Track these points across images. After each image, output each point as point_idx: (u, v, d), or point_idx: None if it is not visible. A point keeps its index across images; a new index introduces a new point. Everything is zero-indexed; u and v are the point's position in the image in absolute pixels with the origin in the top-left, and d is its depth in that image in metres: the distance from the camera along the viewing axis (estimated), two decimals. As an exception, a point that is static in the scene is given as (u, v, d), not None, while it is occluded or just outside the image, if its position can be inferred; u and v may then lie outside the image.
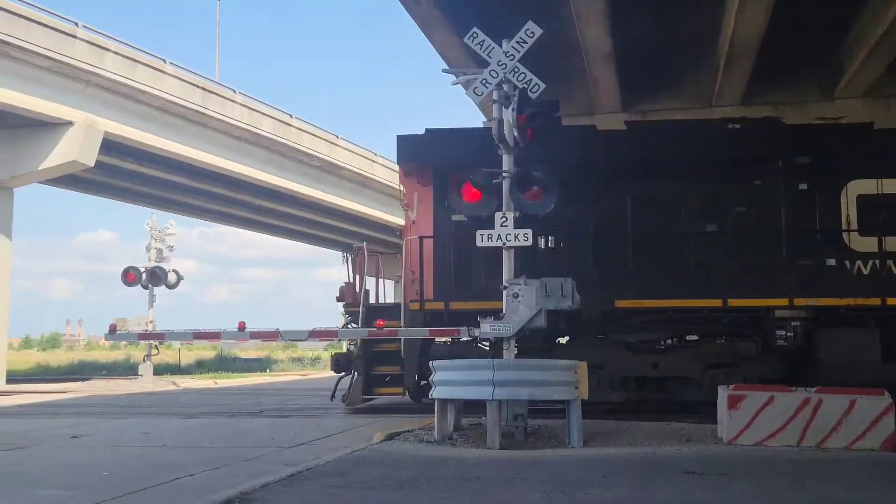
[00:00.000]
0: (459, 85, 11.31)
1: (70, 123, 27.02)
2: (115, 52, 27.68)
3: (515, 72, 10.46)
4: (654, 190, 13.95)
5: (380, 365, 14.34)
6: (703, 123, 15.58)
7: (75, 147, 27.31)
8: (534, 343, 12.98)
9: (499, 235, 10.41)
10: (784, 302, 13.38)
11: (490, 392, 9.50)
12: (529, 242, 10.45)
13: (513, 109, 10.21)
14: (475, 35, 10.68)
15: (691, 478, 7.77)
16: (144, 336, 18.77)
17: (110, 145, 29.07)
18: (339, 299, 14.88)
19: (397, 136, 15.19)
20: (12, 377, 30.04)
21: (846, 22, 17.29)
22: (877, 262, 13.48)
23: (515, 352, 10.72)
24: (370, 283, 15.06)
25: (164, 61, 29.79)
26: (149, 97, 29.11)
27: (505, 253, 10.53)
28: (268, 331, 14.38)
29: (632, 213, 14.02)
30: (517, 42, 10.50)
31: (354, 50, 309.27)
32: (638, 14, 16.80)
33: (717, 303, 13.56)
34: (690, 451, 9.29)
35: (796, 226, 13.79)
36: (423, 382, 14.07)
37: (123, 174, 34.16)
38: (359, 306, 14.29)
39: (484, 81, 10.54)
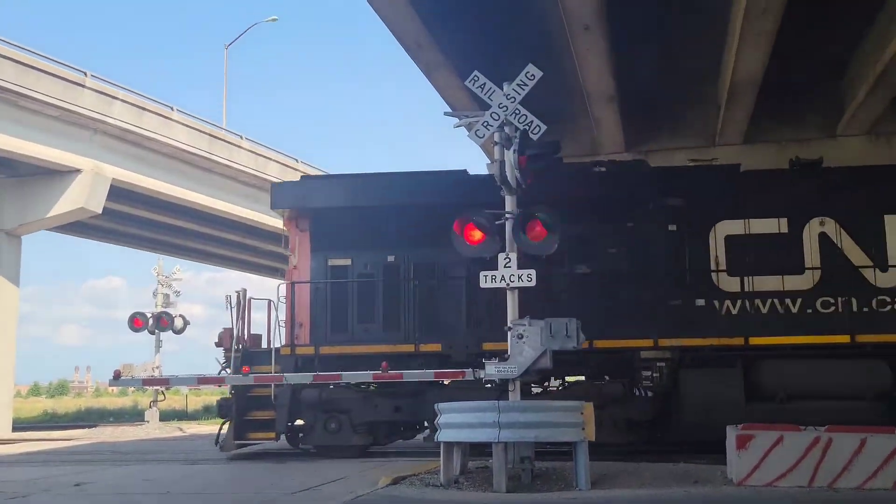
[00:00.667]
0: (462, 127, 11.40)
1: (78, 171, 27.25)
2: (123, 100, 28.02)
3: (517, 114, 10.55)
4: None
5: (254, 410, 14.34)
6: (574, 166, 15.52)
7: (83, 194, 27.53)
8: (409, 387, 13.23)
9: (502, 276, 10.42)
10: (649, 343, 13.38)
11: (496, 434, 9.43)
12: (533, 283, 10.45)
13: (514, 151, 10.26)
14: (476, 78, 10.80)
15: (700, 520, 7.66)
16: (149, 382, 18.68)
17: (118, 192, 29.31)
18: (217, 344, 14.81)
19: (272, 184, 15.78)
20: (19, 425, 29.91)
21: (846, 59, 17.38)
22: (745, 301, 13.52)
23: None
24: (263, 328, 14.99)
25: (172, 108, 30.15)
26: (156, 144, 29.41)
27: (509, 294, 10.51)
28: (272, 374, 14.40)
29: None
30: (518, 84, 10.60)
31: (362, 95, 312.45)
32: (639, 54, 16.90)
33: (584, 344, 13.51)
34: (699, 492, 9.17)
35: (666, 267, 13.83)
36: (297, 425, 14.37)
37: (131, 220, 34.45)
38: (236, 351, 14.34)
39: (485, 124, 10.63)
